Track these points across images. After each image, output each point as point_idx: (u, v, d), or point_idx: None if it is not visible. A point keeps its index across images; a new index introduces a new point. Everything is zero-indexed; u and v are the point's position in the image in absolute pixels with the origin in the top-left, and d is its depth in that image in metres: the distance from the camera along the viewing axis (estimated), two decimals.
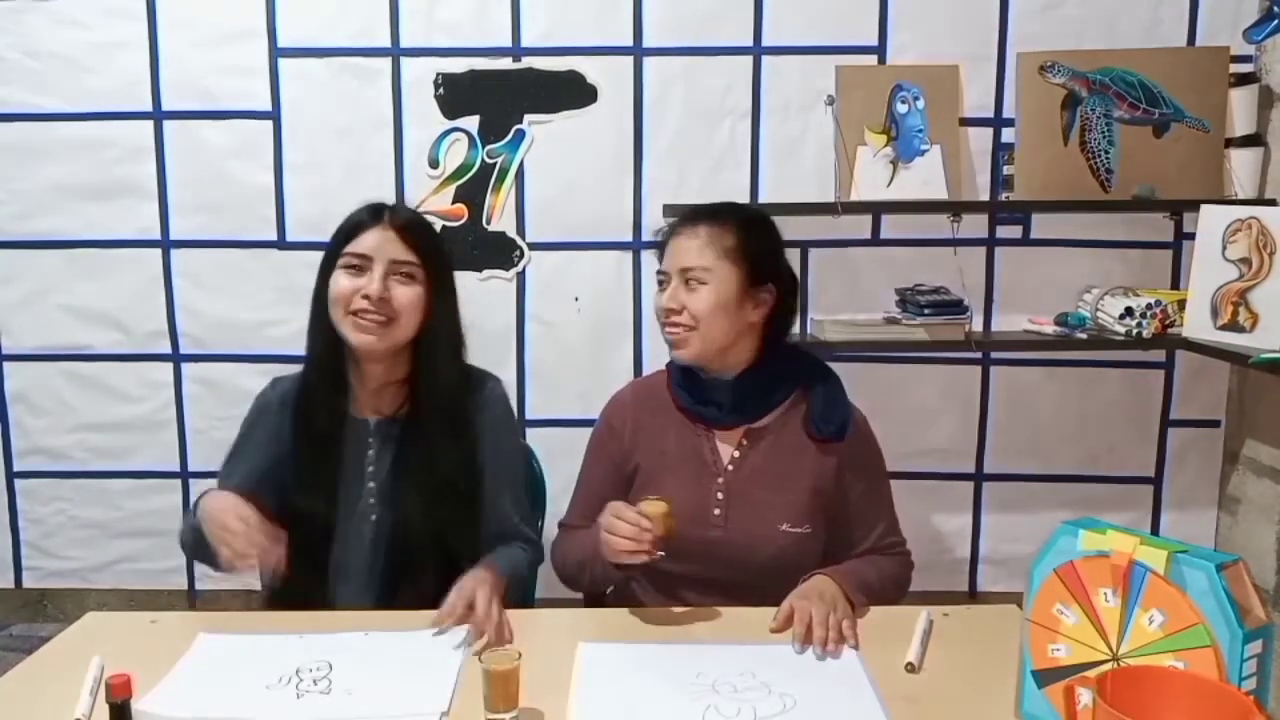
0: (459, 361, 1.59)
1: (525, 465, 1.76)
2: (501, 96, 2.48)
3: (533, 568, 1.65)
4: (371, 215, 1.53)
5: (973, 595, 2.67)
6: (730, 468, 1.57)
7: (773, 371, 1.58)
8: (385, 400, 1.57)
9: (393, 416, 1.56)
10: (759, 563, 1.52)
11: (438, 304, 1.54)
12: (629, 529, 1.35)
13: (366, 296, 1.47)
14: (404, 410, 1.56)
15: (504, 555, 1.54)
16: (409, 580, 1.50)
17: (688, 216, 1.59)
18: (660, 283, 1.59)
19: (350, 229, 1.52)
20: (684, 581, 1.54)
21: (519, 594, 1.57)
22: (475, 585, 1.38)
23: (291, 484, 1.52)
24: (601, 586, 1.57)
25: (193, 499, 2.59)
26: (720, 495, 1.55)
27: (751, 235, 1.56)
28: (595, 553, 1.44)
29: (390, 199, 2.44)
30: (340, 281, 1.50)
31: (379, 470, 1.55)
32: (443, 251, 1.58)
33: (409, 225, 1.54)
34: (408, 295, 1.50)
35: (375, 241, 1.50)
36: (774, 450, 1.57)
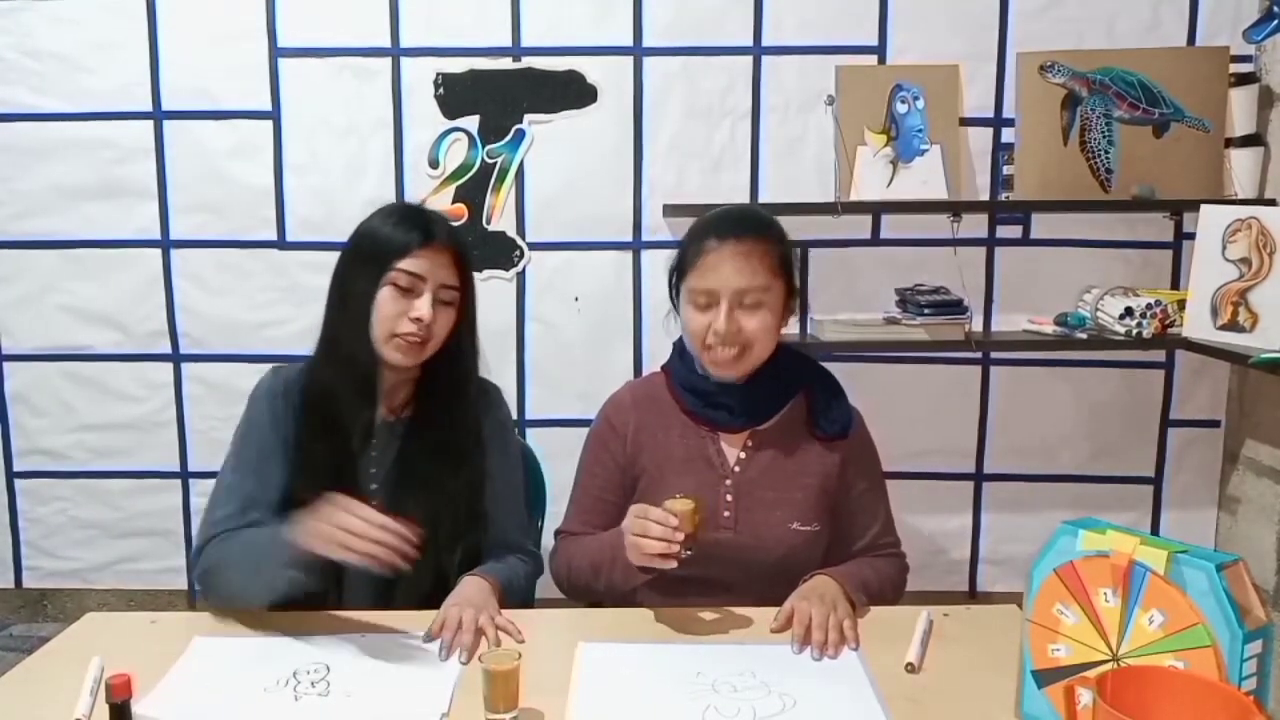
0: (476, 368, 1.58)
1: (525, 476, 1.75)
2: (501, 96, 2.48)
3: (531, 579, 1.62)
4: (423, 233, 1.47)
5: (973, 595, 2.67)
6: (737, 469, 1.56)
7: (779, 373, 1.57)
8: (394, 400, 1.55)
9: (397, 416, 1.55)
10: (770, 563, 1.52)
11: (466, 321, 1.54)
12: (659, 529, 1.32)
13: (418, 319, 1.44)
14: (408, 411, 1.56)
15: (502, 565, 1.53)
16: (406, 581, 1.48)
17: (723, 229, 1.49)
18: (701, 305, 1.49)
19: (401, 245, 1.46)
20: (693, 584, 1.52)
21: (516, 605, 1.56)
22: (459, 610, 1.35)
23: (310, 485, 1.46)
24: (619, 591, 1.50)
25: (193, 501, 2.64)
26: (729, 497, 1.54)
27: (786, 245, 1.54)
28: (614, 557, 1.43)
29: (390, 199, 2.48)
30: (391, 301, 1.45)
31: (380, 470, 1.54)
32: (471, 263, 1.56)
33: (456, 244, 1.51)
34: (445, 320, 1.49)
35: (429, 263, 1.46)
36: (779, 450, 1.57)
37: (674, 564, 1.33)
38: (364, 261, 1.48)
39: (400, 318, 1.45)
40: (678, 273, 1.56)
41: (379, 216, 1.52)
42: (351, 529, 1.24)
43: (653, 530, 1.32)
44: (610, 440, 1.61)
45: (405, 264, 1.45)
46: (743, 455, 1.57)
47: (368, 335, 1.47)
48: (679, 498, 1.36)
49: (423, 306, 1.45)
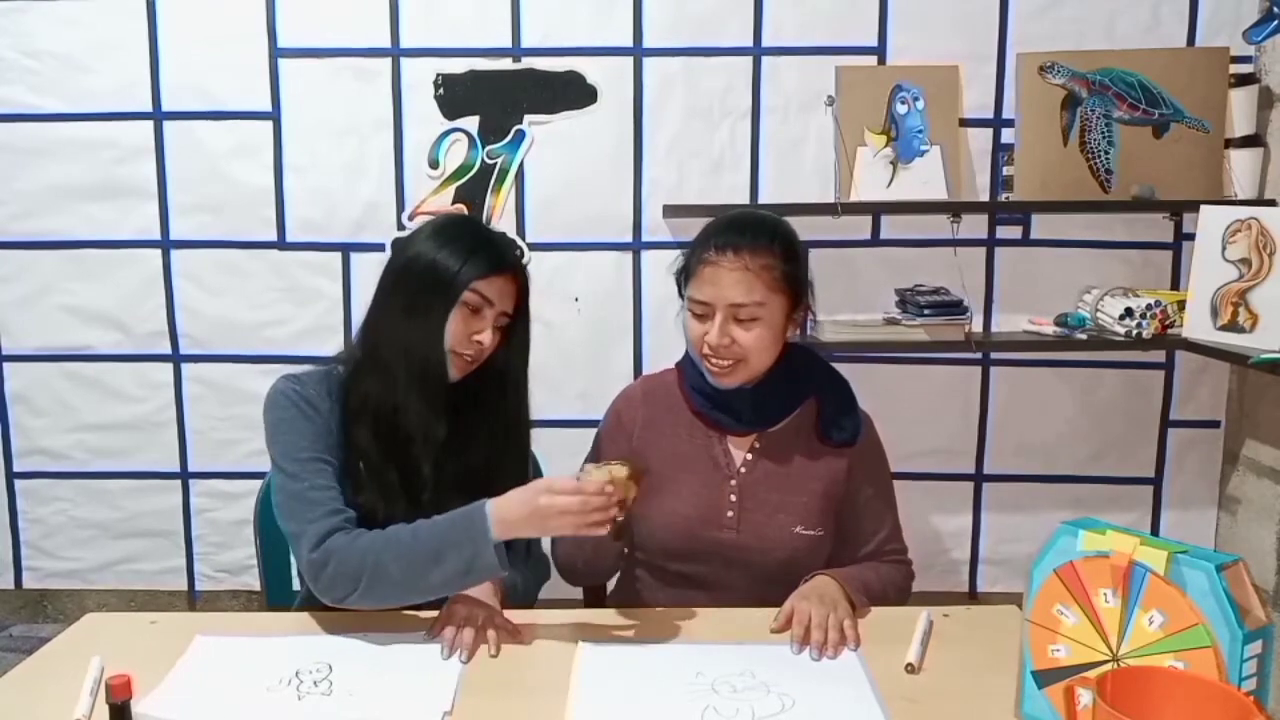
0: (527, 401, 1.59)
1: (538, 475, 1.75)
2: (501, 97, 2.48)
3: (538, 582, 1.61)
4: (499, 258, 1.48)
5: (973, 595, 2.67)
6: (743, 470, 1.56)
7: (788, 377, 1.56)
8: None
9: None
10: (771, 565, 1.52)
11: (519, 350, 1.54)
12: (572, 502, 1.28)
13: (479, 342, 1.46)
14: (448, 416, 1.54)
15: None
16: None
17: (723, 241, 1.48)
18: (698, 315, 1.50)
19: (480, 270, 1.45)
20: (695, 583, 1.54)
21: (520, 606, 1.55)
22: (462, 609, 1.35)
23: (379, 499, 1.47)
24: (605, 566, 1.55)
25: (193, 500, 2.64)
26: (733, 497, 1.55)
27: (791, 258, 1.51)
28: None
29: (390, 199, 2.49)
30: (461, 321, 1.45)
31: (428, 476, 1.53)
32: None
33: (523, 274, 1.52)
34: (495, 343, 1.49)
35: (499, 290, 1.47)
36: (786, 454, 1.56)
37: (603, 531, 1.29)
38: (440, 276, 1.45)
39: (466, 338, 1.46)
40: (684, 276, 1.56)
41: (448, 234, 1.49)
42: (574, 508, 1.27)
43: (571, 505, 1.29)
44: (617, 435, 1.63)
45: (482, 286, 1.45)
46: (749, 457, 1.57)
47: (442, 349, 1.46)
48: (606, 464, 1.32)
49: (487, 330, 1.46)
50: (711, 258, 1.48)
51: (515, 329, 1.53)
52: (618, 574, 1.70)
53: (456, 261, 1.45)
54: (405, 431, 1.47)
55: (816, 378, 1.60)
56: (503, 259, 1.48)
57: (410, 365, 1.46)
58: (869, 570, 1.54)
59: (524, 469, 1.59)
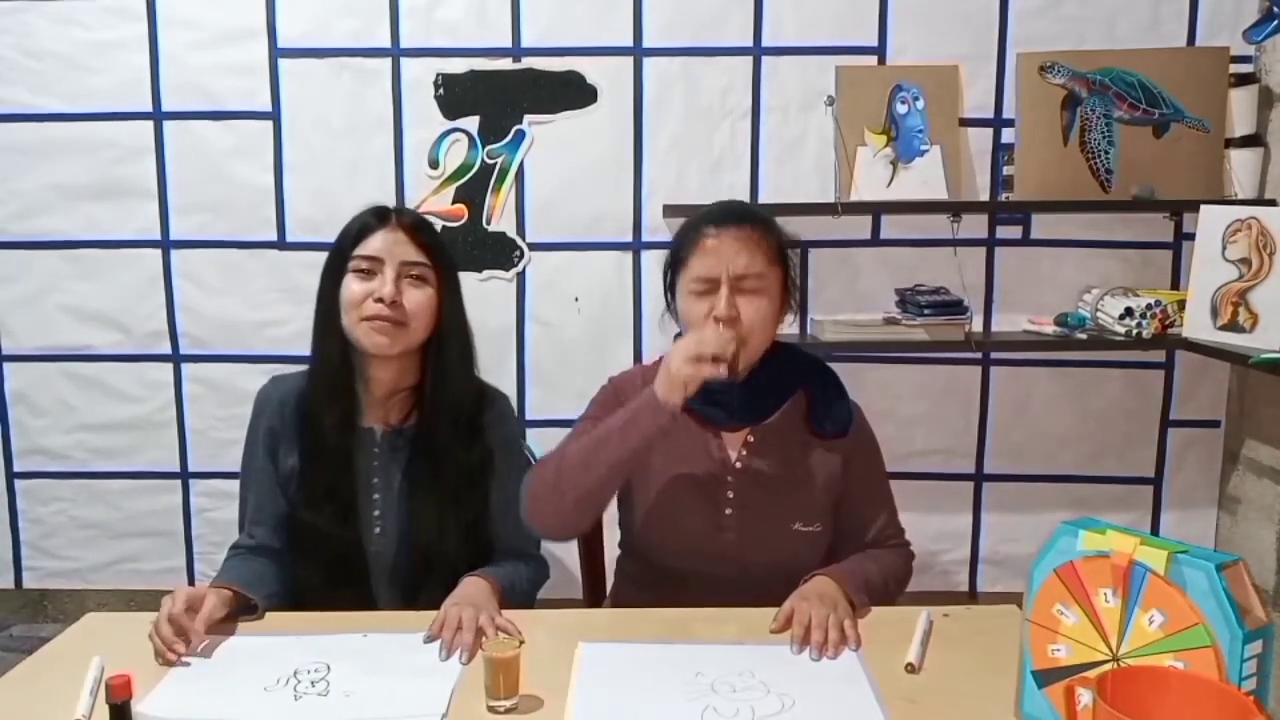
0: (470, 368, 1.59)
1: None
2: (501, 97, 2.48)
3: (535, 584, 1.61)
4: (378, 217, 1.52)
5: (973, 595, 2.67)
6: (738, 467, 1.56)
7: (777, 371, 1.56)
8: (392, 409, 1.56)
9: (399, 426, 1.55)
10: (770, 562, 1.51)
11: (447, 307, 1.54)
12: (715, 328, 1.40)
13: (380, 300, 1.46)
14: (411, 420, 1.55)
15: (505, 568, 1.53)
16: (423, 591, 1.48)
17: (719, 219, 1.50)
18: (701, 293, 1.47)
19: (357, 232, 1.51)
20: (693, 582, 1.53)
21: (517, 607, 1.55)
22: (459, 610, 1.35)
23: (309, 501, 1.50)
24: (625, 460, 1.43)
25: (193, 501, 2.64)
26: (730, 494, 1.54)
27: (782, 235, 1.54)
28: (627, 420, 1.41)
29: (390, 199, 2.48)
30: (352, 286, 1.49)
31: (384, 482, 1.54)
32: (449, 254, 1.58)
33: (417, 225, 1.54)
34: (419, 298, 1.50)
35: (385, 243, 1.49)
36: (780, 449, 1.56)
37: (724, 372, 1.36)
38: (330, 263, 1.53)
39: (365, 300, 1.47)
40: (673, 267, 1.55)
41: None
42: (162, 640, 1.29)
43: (708, 335, 1.38)
44: (619, 403, 1.57)
45: (361, 249, 1.49)
46: (743, 453, 1.56)
47: (339, 334, 1.50)
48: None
49: (385, 284, 1.47)
50: (711, 233, 1.49)
51: (446, 301, 1.53)
52: (616, 578, 1.70)
53: (339, 240, 1.52)
54: (325, 430, 1.50)
55: (804, 371, 1.60)
56: (381, 215, 1.52)
57: (318, 358, 1.53)
58: (869, 561, 1.53)
59: (488, 463, 1.58)
